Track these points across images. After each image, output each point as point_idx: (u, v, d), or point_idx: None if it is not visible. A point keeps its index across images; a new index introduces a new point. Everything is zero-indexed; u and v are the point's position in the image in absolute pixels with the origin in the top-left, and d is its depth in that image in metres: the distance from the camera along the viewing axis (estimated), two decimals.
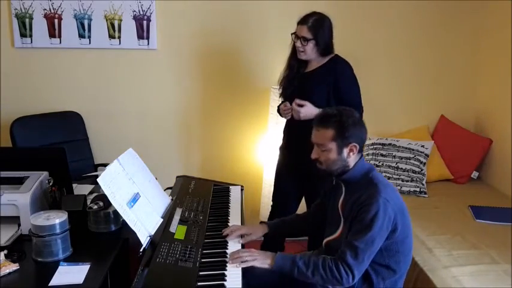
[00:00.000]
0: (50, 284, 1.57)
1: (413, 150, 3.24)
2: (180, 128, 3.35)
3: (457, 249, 2.35)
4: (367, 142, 3.23)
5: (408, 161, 3.21)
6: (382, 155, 3.25)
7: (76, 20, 3.07)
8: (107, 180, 1.67)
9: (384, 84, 3.36)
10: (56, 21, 3.06)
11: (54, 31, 3.08)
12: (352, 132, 1.71)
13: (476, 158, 3.28)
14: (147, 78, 3.24)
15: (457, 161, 3.28)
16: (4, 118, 3.09)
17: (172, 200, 2.10)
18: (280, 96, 2.62)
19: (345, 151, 1.73)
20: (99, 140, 3.24)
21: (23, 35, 3.06)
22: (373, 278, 1.73)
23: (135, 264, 1.64)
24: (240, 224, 2.03)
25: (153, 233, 1.74)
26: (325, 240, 1.86)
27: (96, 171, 2.98)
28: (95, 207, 1.92)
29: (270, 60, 3.19)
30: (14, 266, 1.64)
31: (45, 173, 2.03)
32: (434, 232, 2.53)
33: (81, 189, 2.29)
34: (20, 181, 1.96)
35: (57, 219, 1.71)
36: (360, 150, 1.76)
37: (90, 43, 3.12)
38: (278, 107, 2.60)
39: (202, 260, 1.70)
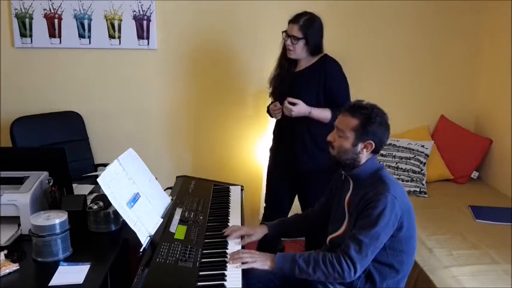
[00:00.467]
0: (50, 284, 1.57)
1: (413, 150, 3.24)
2: (180, 128, 3.35)
3: (457, 249, 2.35)
4: None
5: (408, 161, 3.21)
6: (382, 154, 3.25)
7: (76, 20, 3.07)
8: (106, 180, 1.67)
9: (384, 84, 3.35)
10: (56, 21, 3.06)
11: (54, 31, 3.08)
12: (374, 130, 1.70)
13: (476, 158, 3.28)
14: (147, 78, 3.24)
15: (457, 161, 3.28)
16: (4, 118, 3.09)
17: (172, 200, 2.09)
18: (270, 96, 2.62)
19: (360, 145, 1.72)
20: (99, 140, 3.24)
21: (23, 35, 3.06)
22: (375, 278, 1.73)
23: (135, 264, 1.64)
24: (240, 224, 2.03)
25: (153, 233, 1.74)
26: (329, 238, 1.86)
27: (96, 171, 2.98)
28: (95, 207, 1.92)
29: (270, 61, 3.17)
30: (14, 266, 1.64)
31: (45, 173, 2.03)
32: (434, 232, 2.53)
33: (81, 189, 2.29)
34: (20, 181, 1.96)
35: (57, 219, 1.71)
36: (375, 151, 1.76)
37: (90, 43, 3.12)
38: (268, 107, 2.60)
39: (202, 260, 1.70)
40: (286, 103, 2.40)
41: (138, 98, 3.27)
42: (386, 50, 3.34)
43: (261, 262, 1.71)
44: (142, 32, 3.14)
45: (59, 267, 1.66)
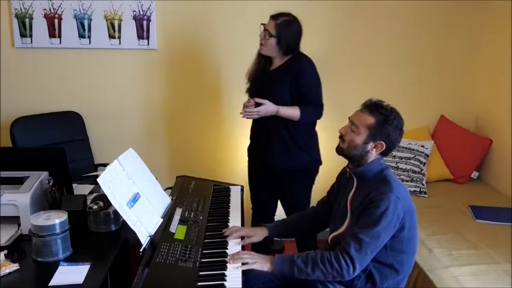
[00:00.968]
0: (50, 284, 1.57)
1: (413, 150, 3.24)
2: (181, 127, 3.35)
3: (457, 249, 2.35)
4: None
5: (408, 161, 3.21)
6: None
7: (76, 20, 3.07)
8: (106, 180, 1.67)
9: (384, 84, 3.35)
10: (56, 21, 3.06)
11: (54, 31, 3.08)
12: (389, 131, 1.70)
13: (476, 158, 3.28)
14: (147, 78, 3.24)
15: (457, 161, 3.28)
16: (4, 118, 3.09)
17: (172, 200, 2.09)
18: (246, 92, 2.62)
19: (371, 144, 1.72)
20: (99, 140, 3.24)
21: (23, 35, 3.06)
22: (376, 278, 1.73)
23: (135, 264, 1.64)
24: (240, 224, 2.03)
25: (153, 233, 1.74)
26: (330, 236, 1.85)
27: (96, 171, 2.98)
28: (95, 207, 1.92)
29: None
30: (14, 266, 1.64)
31: (45, 173, 2.03)
32: (434, 232, 2.53)
33: (81, 189, 2.29)
34: (20, 181, 1.96)
35: (57, 219, 1.71)
36: (384, 153, 1.75)
37: (90, 43, 3.12)
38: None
39: (202, 260, 1.70)
40: (247, 108, 2.42)
41: (138, 98, 3.27)
42: (386, 50, 3.34)
43: (261, 264, 1.71)
44: (142, 32, 3.14)
45: (59, 267, 1.66)
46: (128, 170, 1.83)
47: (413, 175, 3.15)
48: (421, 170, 3.17)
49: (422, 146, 3.24)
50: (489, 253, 2.30)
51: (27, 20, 3.04)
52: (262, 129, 2.56)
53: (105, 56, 3.16)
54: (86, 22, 3.08)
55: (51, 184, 2.01)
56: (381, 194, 1.64)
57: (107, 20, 3.09)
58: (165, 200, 2.05)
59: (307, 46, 3.23)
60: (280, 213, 2.76)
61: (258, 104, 2.42)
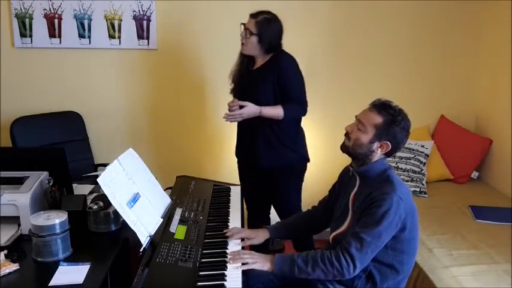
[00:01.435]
0: (50, 284, 1.57)
1: (413, 150, 3.24)
2: (181, 127, 3.35)
3: (457, 249, 2.35)
4: None
5: (408, 161, 3.21)
6: None
7: (76, 20, 3.07)
8: (106, 180, 1.67)
9: (384, 84, 3.35)
10: (56, 21, 3.06)
11: (54, 31, 3.08)
12: (395, 132, 1.70)
13: (476, 158, 3.28)
14: (147, 78, 3.24)
15: (457, 161, 3.28)
16: (4, 118, 3.09)
17: (172, 200, 2.09)
18: (231, 93, 2.62)
19: (377, 143, 1.71)
20: (99, 140, 3.24)
21: (23, 35, 3.06)
22: (376, 278, 1.73)
23: (135, 264, 1.64)
24: (240, 224, 2.03)
25: (153, 233, 1.74)
26: (331, 236, 1.85)
27: (96, 171, 2.98)
28: (95, 207, 1.92)
29: None
30: (14, 266, 1.64)
31: (45, 173, 2.03)
32: (434, 232, 2.53)
33: (81, 189, 2.29)
34: (20, 181, 1.96)
35: (57, 219, 1.71)
36: (388, 154, 1.75)
37: (90, 43, 3.12)
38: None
39: (202, 260, 1.70)
40: (231, 110, 2.42)
41: (138, 98, 3.26)
42: (386, 50, 3.34)
43: (261, 263, 1.71)
44: (142, 32, 3.14)
45: (59, 267, 1.66)
46: (128, 170, 1.83)
47: (413, 175, 3.15)
48: (421, 170, 3.17)
49: (422, 146, 3.24)
50: (489, 253, 2.30)
51: (27, 20, 3.04)
52: (247, 129, 2.57)
53: (105, 56, 3.16)
54: (86, 22, 3.08)
55: (51, 184, 2.01)
56: (384, 194, 1.64)
57: (107, 20, 3.09)
58: (165, 200, 2.05)
59: (307, 46, 3.25)
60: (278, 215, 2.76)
61: (241, 107, 2.41)
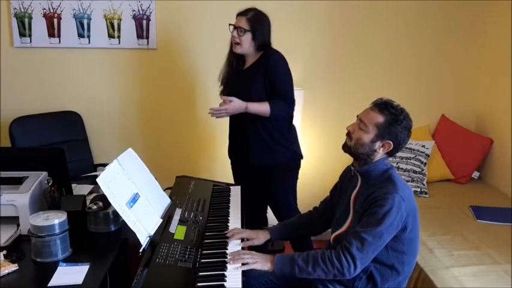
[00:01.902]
0: (49, 285, 1.56)
1: (413, 150, 3.23)
2: (181, 127, 3.35)
3: (458, 249, 2.34)
4: None
5: (409, 161, 3.20)
6: None
7: (75, 19, 3.07)
8: (106, 181, 1.66)
9: (385, 83, 3.35)
10: (55, 20, 3.06)
11: (53, 31, 3.07)
12: (397, 132, 1.69)
13: (477, 158, 3.27)
14: (147, 77, 3.24)
15: (457, 161, 3.28)
16: (3, 118, 3.09)
17: (172, 200, 2.09)
18: (220, 94, 2.61)
19: (379, 143, 1.71)
20: (99, 140, 3.23)
21: (22, 35, 3.05)
22: (377, 279, 1.72)
23: (134, 265, 1.63)
24: (240, 225, 2.02)
25: (152, 234, 1.73)
26: (332, 236, 1.84)
27: (95, 171, 2.97)
28: (94, 207, 1.91)
29: None
30: (13, 267, 1.64)
31: (44, 173, 2.02)
32: (435, 232, 2.52)
33: (80, 189, 2.28)
34: (19, 181, 1.95)
35: (56, 219, 1.70)
36: (390, 153, 1.74)
37: (89, 43, 3.11)
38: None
39: (202, 261, 1.70)
40: (214, 107, 2.41)
41: (137, 98, 3.26)
42: (387, 50, 3.33)
43: (261, 263, 1.70)
44: (142, 32, 3.13)
45: (58, 267, 1.65)
46: (127, 170, 1.82)
47: (414, 175, 3.14)
48: (422, 170, 3.17)
49: (423, 146, 3.24)
50: (490, 253, 2.30)
51: (26, 20, 3.03)
52: (239, 128, 2.56)
53: (105, 56, 3.16)
54: (85, 22, 3.07)
55: (50, 184, 2.01)
56: (385, 194, 1.63)
57: (106, 20, 3.09)
58: (165, 200, 2.04)
59: (307, 46, 3.25)
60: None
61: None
